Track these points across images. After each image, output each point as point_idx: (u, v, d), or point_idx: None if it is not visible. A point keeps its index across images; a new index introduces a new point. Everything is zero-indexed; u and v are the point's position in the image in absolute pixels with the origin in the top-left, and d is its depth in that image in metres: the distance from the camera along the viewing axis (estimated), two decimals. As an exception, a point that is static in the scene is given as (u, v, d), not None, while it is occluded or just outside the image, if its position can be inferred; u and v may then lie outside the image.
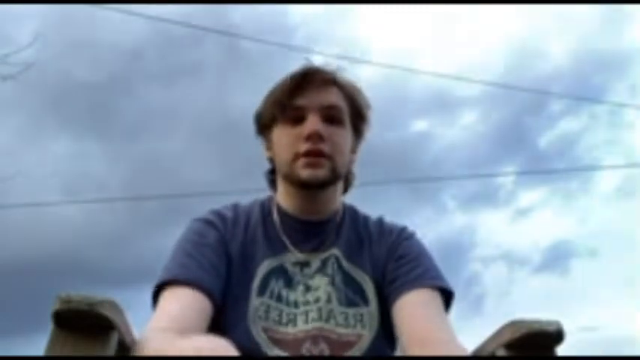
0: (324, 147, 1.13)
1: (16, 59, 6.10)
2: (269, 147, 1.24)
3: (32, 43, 6.23)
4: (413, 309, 1.06)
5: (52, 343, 0.72)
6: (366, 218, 1.26)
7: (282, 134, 1.17)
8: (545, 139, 15.26)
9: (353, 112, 1.21)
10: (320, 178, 1.13)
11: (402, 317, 1.07)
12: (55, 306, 0.71)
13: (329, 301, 1.12)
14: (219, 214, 1.20)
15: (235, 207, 1.23)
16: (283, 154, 1.16)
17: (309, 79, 1.17)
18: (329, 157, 1.13)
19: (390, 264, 1.16)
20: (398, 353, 1.14)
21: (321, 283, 1.14)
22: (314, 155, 1.12)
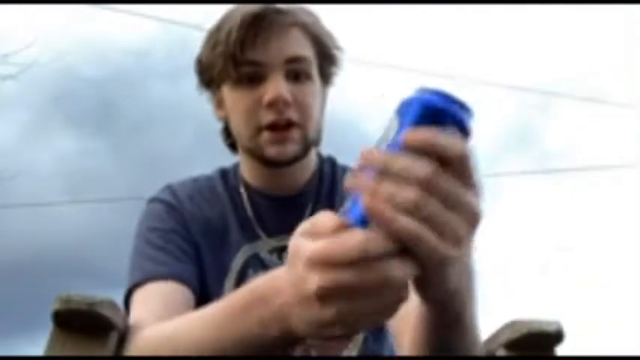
0: (292, 114, 0.94)
1: (19, 58, 6.13)
2: (219, 105, 1.04)
3: (33, 42, 6.26)
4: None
5: (51, 343, 0.72)
6: (345, 171, 1.07)
7: (236, 97, 0.97)
8: (551, 139, 15.24)
9: (320, 57, 1.01)
10: (290, 155, 0.96)
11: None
12: (54, 306, 0.71)
13: None
14: (172, 191, 1.04)
15: (195, 181, 1.07)
16: (242, 126, 0.97)
17: (266, 25, 0.93)
18: (298, 126, 0.95)
19: None
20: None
21: None
22: (281, 128, 0.94)
